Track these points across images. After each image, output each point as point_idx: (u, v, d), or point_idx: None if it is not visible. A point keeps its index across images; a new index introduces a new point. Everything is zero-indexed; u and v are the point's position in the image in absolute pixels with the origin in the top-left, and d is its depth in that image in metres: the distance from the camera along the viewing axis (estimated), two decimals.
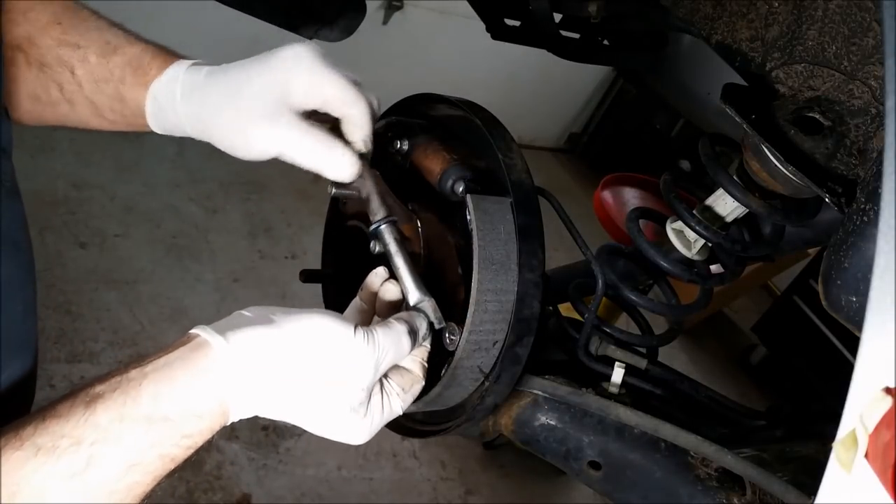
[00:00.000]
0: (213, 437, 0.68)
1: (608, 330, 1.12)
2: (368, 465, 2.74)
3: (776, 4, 0.91)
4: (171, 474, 0.66)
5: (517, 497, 2.93)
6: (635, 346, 1.15)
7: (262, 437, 2.61)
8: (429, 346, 0.82)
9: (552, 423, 1.03)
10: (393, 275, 0.84)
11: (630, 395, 1.09)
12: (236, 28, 3.49)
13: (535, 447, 1.05)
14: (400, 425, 1.01)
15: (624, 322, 1.32)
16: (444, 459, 2.90)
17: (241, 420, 0.69)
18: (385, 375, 0.78)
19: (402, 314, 0.80)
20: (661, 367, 1.15)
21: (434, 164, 0.93)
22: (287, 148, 0.77)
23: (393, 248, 0.83)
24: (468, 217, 0.84)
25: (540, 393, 1.03)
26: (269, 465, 2.55)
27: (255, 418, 0.70)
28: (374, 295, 0.86)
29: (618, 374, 1.07)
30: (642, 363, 1.11)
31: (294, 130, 0.77)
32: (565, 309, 1.19)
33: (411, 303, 0.82)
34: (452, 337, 0.84)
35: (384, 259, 0.85)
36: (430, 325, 0.81)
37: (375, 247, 0.86)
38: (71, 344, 2.56)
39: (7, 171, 0.71)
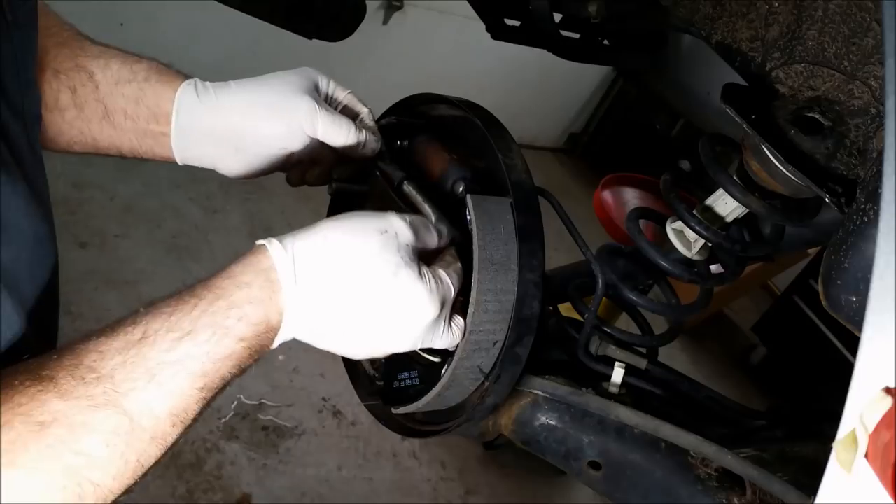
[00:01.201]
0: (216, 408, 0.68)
1: (608, 330, 1.12)
2: (368, 465, 2.74)
3: (776, 4, 0.91)
4: (241, 372, 0.68)
5: (517, 497, 2.93)
6: (635, 346, 1.15)
7: (262, 437, 2.61)
8: (453, 248, 0.84)
9: (552, 423, 1.03)
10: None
11: (630, 395, 1.09)
12: (236, 28, 3.49)
13: (535, 447, 1.05)
14: (400, 425, 1.01)
15: (624, 322, 1.32)
16: (444, 459, 2.90)
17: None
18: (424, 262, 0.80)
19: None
20: (662, 367, 1.15)
21: (434, 164, 0.93)
22: (324, 119, 0.87)
23: (414, 191, 0.88)
24: (468, 217, 0.84)
25: (540, 393, 1.03)
26: (269, 465, 2.55)
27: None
28: None
29: (618, 374, 1.07)
30: (642, 363, 1.11)
31: (329, 108, 0.89)
32: (565, 309, 1.19)
33: (433, 220, 0.85)
34: None
35: None
36: (452, 239, 0.84)
37: None
38: None
39: (36, 139, 0.73)
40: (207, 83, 0.90)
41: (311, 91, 0.89)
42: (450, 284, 0.78)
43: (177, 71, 0.91)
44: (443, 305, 0.77)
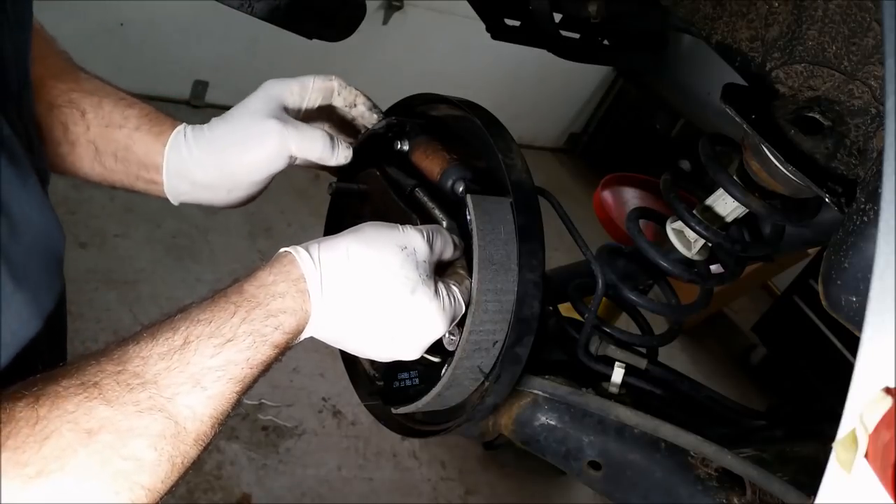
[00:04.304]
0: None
1: (608, 330, 1.12)
2: (368, 465, 2.74)
3: (776, 4, 0.91)
4: (268, 368, 0.70)
5: (517, 497, 2.93)
6: (635, 346, 1.15)
7: (262, 437, 2.61)
8: (463, 260, 0.86)
9: (552, 423, 1.03)
10: None
11: (630, 395, 1.09)
12: (236, 28, 3.49)
13: (535, 447, 1.05)
14: (400, 425, 1.01)
15: (624, 322, 1.32)
16: (444, 459, 2.90)
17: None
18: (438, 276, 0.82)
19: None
20: (661, 367, 1.15)
21: (434, 164, 0.93)
22: (294, 138, 0.88)
23: (426, 198, 0.89)
24: (468, 217, 0.84)
25: (540, 393, 1.03)
26: (269, 465, 2.55)
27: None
28: None
29: (618, 374, 1.07)
30: (642, 363, 1.11)
31: (298, 124, 0.89)
32: (565, 309, 1.19)
33: (444, 227, 0.86)
34: (452, 337, 0.84)
35: None
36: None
37: None
38: (71, 344, 2.54)
39: (34, 137, 0.74)
40: (189, 129, 0.91)
41: (275, 112, 0.89)
42: (461, 301, 0.81)
43: (166, 115, 0.93)
44: (451, 321, 0.80)
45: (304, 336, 0.74)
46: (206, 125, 0.91)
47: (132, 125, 0.89)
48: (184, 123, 0.92)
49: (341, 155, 0.92)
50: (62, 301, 0.78)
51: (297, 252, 0.73)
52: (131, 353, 0.62)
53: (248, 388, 0.69)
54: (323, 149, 0.89)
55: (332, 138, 0.90)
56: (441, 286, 0.79)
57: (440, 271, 0.83)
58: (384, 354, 0.81)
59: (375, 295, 0.75)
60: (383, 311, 0.76)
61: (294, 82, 0.92)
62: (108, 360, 0.62)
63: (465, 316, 0.83)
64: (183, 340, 0.64)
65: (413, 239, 0.78)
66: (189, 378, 0.63)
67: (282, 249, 0.75)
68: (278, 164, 0.90)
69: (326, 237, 0.77)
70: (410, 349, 0.80)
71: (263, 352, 0.68)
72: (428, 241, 0.79)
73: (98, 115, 0.88)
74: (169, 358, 0.63)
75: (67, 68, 0.90)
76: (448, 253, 0.83)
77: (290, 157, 0.90)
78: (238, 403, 0.68)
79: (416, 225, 0.84)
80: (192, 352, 0.64)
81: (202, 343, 0.64)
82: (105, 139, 0.88)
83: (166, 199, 0.96)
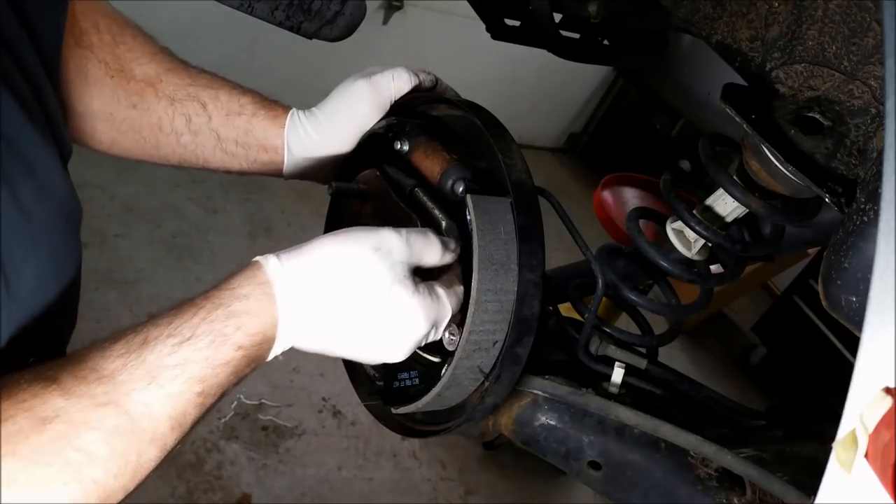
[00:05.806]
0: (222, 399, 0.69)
1: (608, 330, 1.12)
2: (368, 465, 2.74)
3: (776, 4, 0.91)
4: (238, 381, 0.70)
5: (517, 497, 2.93)
6: (635, 346, 1.15)
7: (262, 437, 2.61)
8: (458, 265, 0.85)
9: (552, 423, 1.03)
10: None
11: (630, 395, 1.09)
12: (236, 28, 3.49)
13: (535, 447, 1.05)
14: (400, 425, 1.01)
15: (624, 322, 1.32)
16: (444, 459, 2.90)
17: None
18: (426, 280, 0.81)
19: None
20: (662, 367, 1.15)
21: (434, 164, 0.93)
22: (382, 79, 0.98)
23: (426, 198, 0.89)
24: (468, 217, 0.84)
25: (540, 393, 1.03)
26: (269, 465, 2.55)
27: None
28: None
29: (618, 374, 1.07)
30: (642, 363, 1.11)
31: (383, 72, 1.01)
32: (565, 309, 1.19)
33: (443, 228, 0.86)
34: (452, 337, 0.84)
35: None
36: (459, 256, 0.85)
37: None
38: (71, 344, 2.56)
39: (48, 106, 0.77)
40: (301, 113, 0.99)
41: (363, 74, 0.99)
42: (447, 305, 0.80)
43: (274, 101, 1.01)
44: (436, 325, 0.79)
45: (280, 344, 0.72)
46: (314, 107, 0.99)
47: (249, 112, 0.98)
48: (293, 107, 1.00)
49: (427, 78, 1.02)
50: (77, 281, 0.79)
51: (266, 259, 0.73)
52: (94, 352, 0.63)
53: (215, 394, 0.68)
54: (408, 76, 0.99)
55: (410, 71, 1.00)
56: (421, 286, 0.78)
57: (434, 276, 0.82)
58: (370, 357, 0.80)
59: (348, 295, 0.74)
60: (358, 311, 0.75)
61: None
62: (71, 358, 0.63)
63: (464, 316, 0.83)
64: (143, 340, 0.64)
65: (388, 240, 0.76)
66: (145, 375, 0.63)
67: (254, 258, 0.74)
68: (381, 106, 0.98)
69: (299, 244, 0.76)
70: (394, 350, 0.79)
71: (225, 352, 0.67)
72: (405, 242, 0.77)
73: (217, 105, 0.96)
74: (126, 356, 0.63)
75: (177, 63, 0.97)
76: (431, 256, 0.80)
77: (388, 98, 0.98)
78: (206, 409, 0.67)
79: (417, 226, 0.84)
80: (149, 350, 0.64)
81: (160, 342, 0.64)
82: (226, 126, 0.97)
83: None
